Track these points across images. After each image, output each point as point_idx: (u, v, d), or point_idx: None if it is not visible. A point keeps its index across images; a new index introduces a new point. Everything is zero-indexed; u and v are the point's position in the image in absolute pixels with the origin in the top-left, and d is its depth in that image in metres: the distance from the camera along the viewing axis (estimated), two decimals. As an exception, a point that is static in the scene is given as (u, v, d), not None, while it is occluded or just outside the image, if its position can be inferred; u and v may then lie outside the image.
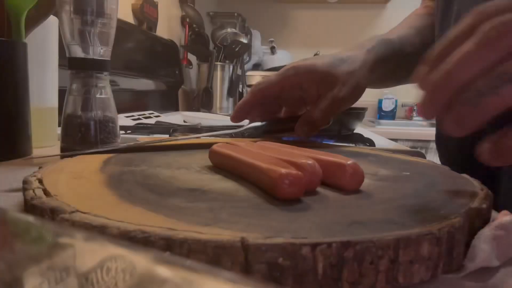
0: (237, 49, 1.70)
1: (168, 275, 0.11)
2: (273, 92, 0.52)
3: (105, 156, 0.38)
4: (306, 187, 0.25)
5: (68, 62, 0.46)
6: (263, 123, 0.53)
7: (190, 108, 1.84)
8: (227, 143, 0.36)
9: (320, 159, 0.28)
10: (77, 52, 0.45)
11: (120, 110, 0.55)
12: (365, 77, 0.52)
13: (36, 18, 0.52)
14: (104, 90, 0.47)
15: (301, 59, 0.54)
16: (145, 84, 1.41)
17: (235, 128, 0.54)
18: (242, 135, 0.55)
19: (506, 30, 0.19)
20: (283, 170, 0.25)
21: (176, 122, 0.98)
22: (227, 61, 1.74)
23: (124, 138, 0.64)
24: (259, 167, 0.27)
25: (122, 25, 1.15)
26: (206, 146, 0.38)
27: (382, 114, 2.26)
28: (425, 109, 0.22)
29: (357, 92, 0.51)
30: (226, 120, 1.01)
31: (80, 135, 0.45)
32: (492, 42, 0.19)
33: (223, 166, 0.33)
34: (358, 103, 0.53)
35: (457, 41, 0.21)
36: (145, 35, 1.40)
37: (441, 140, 0.59)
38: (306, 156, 0.28)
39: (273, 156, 0.29)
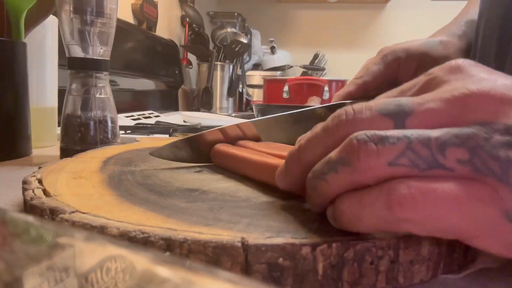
0: (237, 49, 1.70)
1: (168, 275, 0.11)
2: (377, 84, 0.46)
3: (105, 156, 0.38)
4: None
5: (67, 62, 0.46)
6: (339, 102, 0.45)
7: (190, 108, 1.84)
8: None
9: None
10: (77, 52, 0.45)
11: (120, 110, 0.55)
12: None
13: (35, 18, 0.52)
14: (103, 90, 0.47)
15: (391, 45, 0.49)
16: (145, 84, 1.41)
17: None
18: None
19: (345, 120, 0.19)
20: None
21: (176, 122, 0.98)
22: (227, 61, 1.74)
23: (124, 138, 0.63)
24: (268, 163, 0.27)
25: (122, 25, 1.15)
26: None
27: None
28: (280, 178, 0.23)
29: None
30: (226, 120, 1.01)
31: (79, 135, 0.45)
32: (331, 129, 0.19)
33: (227, 165, 0.33)
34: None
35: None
36: (145, 35, 1.40)
37: None
38: None
39: (280, 154, 0.29)
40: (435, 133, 0.17)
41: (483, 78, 0.18)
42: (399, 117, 0.18)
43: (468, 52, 0.51)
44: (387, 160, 0.17)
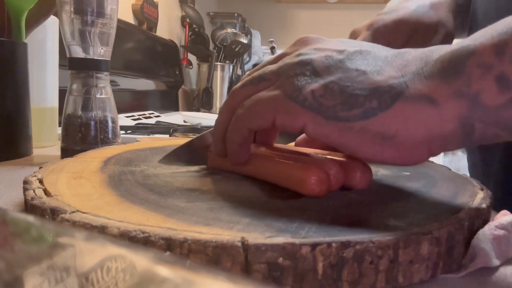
0: (237, 49, 1.70)
1: (168, 275, 0.11)
2: None
3: (105, 156, 0.38)
4: (331, 188, 0.26)
5: (68, 62, 0.46)
6: None
7: (190, 108, 1.84)
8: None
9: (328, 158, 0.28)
10: (78, 52, 0.45)
11: (120, 110, 0.55)
12: (452, 24, 0.48)
13: (36, 18, 0.52)
14: (104, 90, 0.47)
15: (379, 13, 0.48)
16: (145, 84, 1.41)
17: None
18: None
19: (235, 97, 0.29)
20: (316, 168, 0.25)
21: (176, 122, 0.98)
22: (227, 61, 1.74)
23: (124, 138, 0.64)
24: (288, 165, 0.27)
25: (122, 25, 1.15)
26: None
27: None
28: (214, 145, 0.31)
29: (448, 42, 0.47)
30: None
31: (80, 135, 0.45)
32: (227, 104, 0.30)
33: (227, 166, 0.33)
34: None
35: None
36: (145, 35, 1.40)
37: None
38: (327, 158, 0.28)
39: (292, 156, 0.29)
40: (270, 65, 0.28)
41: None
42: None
43: (456, 8, 0.49)
44: (241, 84, 0.29)
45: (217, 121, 0.30)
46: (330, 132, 0.24)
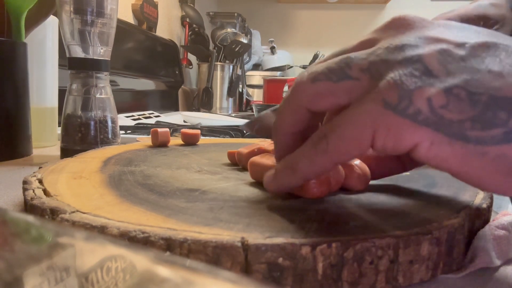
0: (237, 49, 1.70)
1: (168, 274, 0.11)
2: None
3: (105, 156, 0.38)
4: (331, 189, 0.26)
5: (68, 62, 0.46)
6: None
7: (190, 108, 1.84)
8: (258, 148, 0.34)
9: None
10: (77, 52, 0.45)
11: (120, 110, 0.56)
12: None
13: (36, 18, 0.52)
14: (104, 90, 0.47)
15: (441, 14, 0.47)
16: (145, 84, 1.41)
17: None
18: None
19: (302, 93, 0.22)
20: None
21: (176, 122, 0.98)
22: (227, 61, 1.74)
23: (124, 138, 0.64)
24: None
25: (122, 25, 1.15)
26: None
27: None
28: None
29: None
30: (226, 120, 1.01)
31: (80, 135, 0.45)
32: (290, 102, 0.23)
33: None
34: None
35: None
36: (145, 35, 1.40)
37: None
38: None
39: None
40: (354, 55, 0.21)
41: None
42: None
43: None
44: (312, 77, 0.21)
45: (277, 123, 0.23)
46: (451, 155, 0.18)
